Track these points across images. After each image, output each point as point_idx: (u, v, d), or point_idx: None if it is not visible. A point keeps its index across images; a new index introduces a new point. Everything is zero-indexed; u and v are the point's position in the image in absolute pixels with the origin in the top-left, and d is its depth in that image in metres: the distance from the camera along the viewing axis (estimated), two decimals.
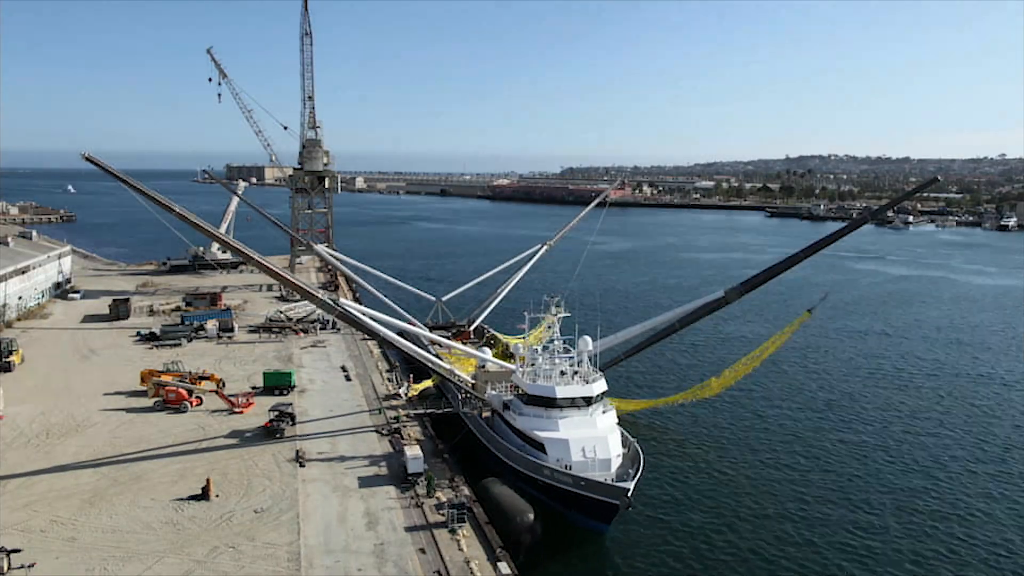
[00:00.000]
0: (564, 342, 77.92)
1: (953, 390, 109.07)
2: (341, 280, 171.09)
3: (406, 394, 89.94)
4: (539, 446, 68.17)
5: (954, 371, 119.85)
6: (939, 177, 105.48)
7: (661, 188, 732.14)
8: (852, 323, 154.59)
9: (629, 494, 60.14)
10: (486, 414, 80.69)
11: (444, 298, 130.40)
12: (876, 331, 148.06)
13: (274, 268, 79.85)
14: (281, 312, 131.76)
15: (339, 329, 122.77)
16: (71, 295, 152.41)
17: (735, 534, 65.38)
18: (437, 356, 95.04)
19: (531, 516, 61.49)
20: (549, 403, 70.63)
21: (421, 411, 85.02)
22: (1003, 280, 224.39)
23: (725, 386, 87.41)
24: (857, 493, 74.14)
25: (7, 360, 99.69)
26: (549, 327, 78.05)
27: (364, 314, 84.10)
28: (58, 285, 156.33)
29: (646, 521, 67.23)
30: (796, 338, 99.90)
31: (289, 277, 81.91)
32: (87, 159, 70.38)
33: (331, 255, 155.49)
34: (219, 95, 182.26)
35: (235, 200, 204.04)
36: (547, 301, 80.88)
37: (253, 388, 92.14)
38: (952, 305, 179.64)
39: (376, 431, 79.98)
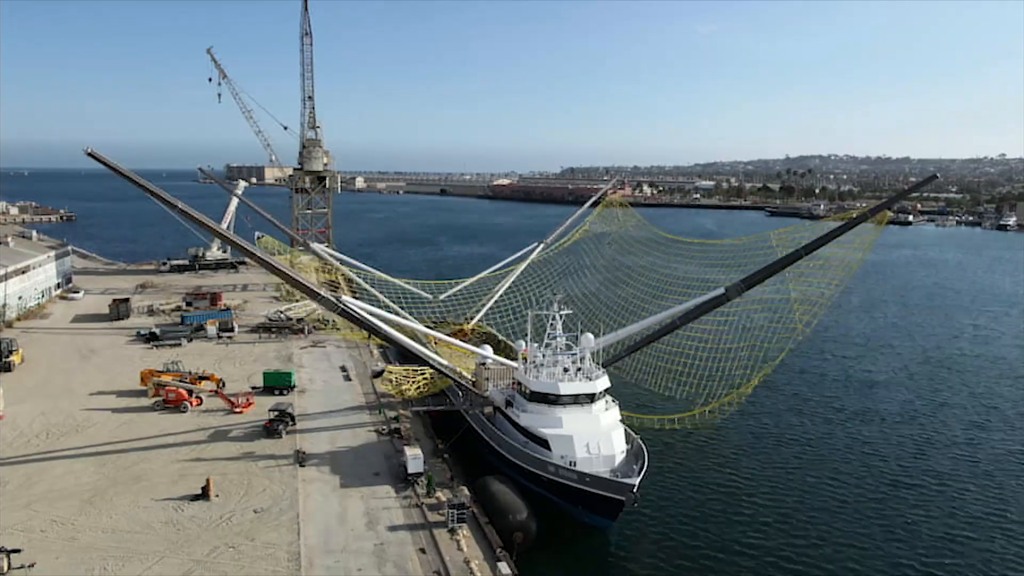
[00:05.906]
0: (566, 339, 77.73)
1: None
2: (340, 279, 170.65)
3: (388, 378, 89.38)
4: (543, 442, 68.05)
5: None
6: (937, 175, 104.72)
7: (661, 188, 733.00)
8: (859, 315, 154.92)
9: (635, 490, 59.97)
10: (487, 411, 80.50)
11: (441, 296, 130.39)
12: (887, 324, 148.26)
13: (278, 265, 79.52)
14: (281, 312, 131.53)
15: (337, 327, 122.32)
16: (72, 295, 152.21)
17: (740, 531, 65.07)
18: (437, 354, 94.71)
19: (523, 515, 61.24)
20: (552, 400, 70.56)
21: (421, 408, 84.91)
22: None
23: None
24: (865, 490, 73.74)
25: (7, 360, 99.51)
26: (551, 325, 77.78)
27: (365, 311, 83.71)
28: (58, 285, 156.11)
29: (650, 518, 66.97)
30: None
31: (293, 274, 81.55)
32: (90, 155, 69.83)
33: (330, 254, 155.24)
34: (219, 95, 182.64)
35: (235, 200, 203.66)
36: (549, 298, 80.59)
37: (253, 388, 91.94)
38: None
39: (376, 431, 79.83)
